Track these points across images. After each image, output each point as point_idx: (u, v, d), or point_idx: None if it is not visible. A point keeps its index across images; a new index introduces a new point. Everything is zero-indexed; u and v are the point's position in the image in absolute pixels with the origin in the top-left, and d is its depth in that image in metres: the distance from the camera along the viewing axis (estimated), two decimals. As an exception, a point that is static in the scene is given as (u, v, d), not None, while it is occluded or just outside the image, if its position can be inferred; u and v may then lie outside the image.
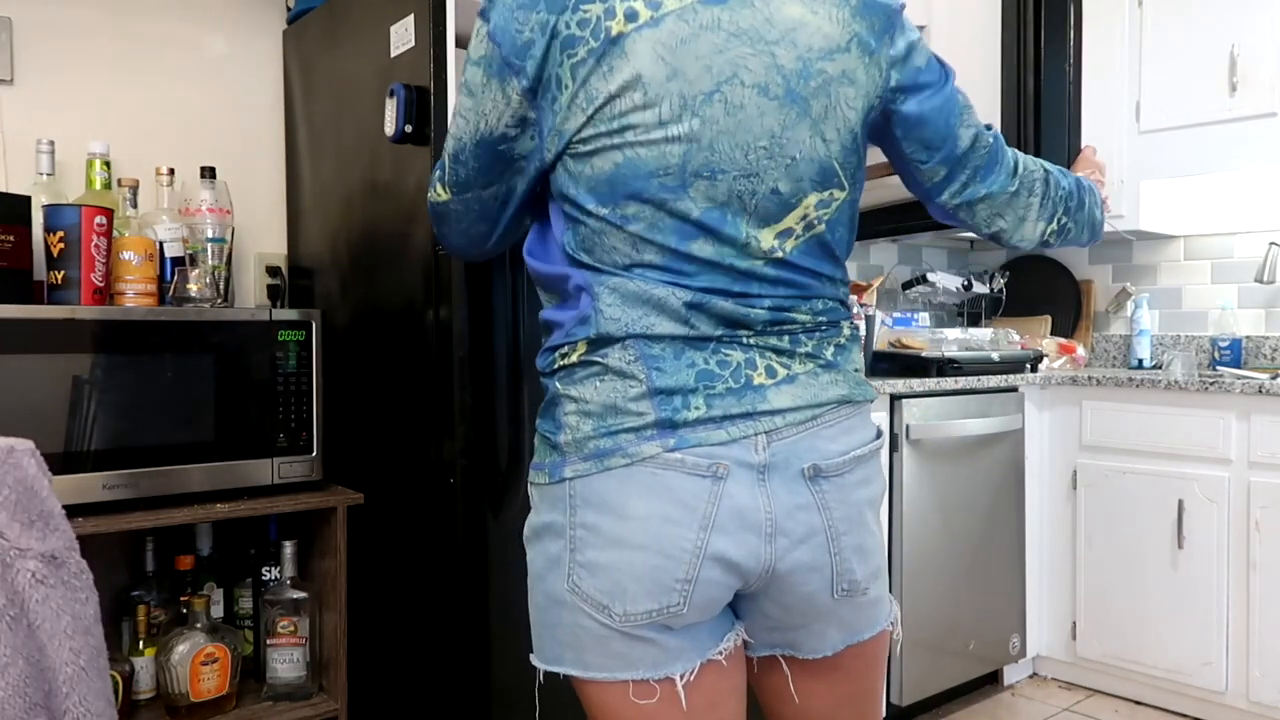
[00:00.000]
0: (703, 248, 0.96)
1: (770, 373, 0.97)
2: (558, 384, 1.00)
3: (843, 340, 1.03)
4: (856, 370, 1.03)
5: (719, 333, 0.97)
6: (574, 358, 0.99)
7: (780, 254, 0.98)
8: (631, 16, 0.91)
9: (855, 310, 2.60)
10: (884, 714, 1.20)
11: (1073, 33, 2.18)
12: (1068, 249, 3.49)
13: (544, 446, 1.01)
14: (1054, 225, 1.15)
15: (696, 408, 0.95)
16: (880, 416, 2.45)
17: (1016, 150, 1.14)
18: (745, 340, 0.98)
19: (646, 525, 0.93)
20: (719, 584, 0.95)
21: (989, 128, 1.11)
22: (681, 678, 0.97)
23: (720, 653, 0.99)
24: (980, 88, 2.25)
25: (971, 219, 1.12)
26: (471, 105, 0.98)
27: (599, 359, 0.97)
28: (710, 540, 0.93)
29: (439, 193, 1.06)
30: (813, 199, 0.98)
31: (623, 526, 0.94)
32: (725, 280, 0.97)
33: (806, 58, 0.95)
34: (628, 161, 0.94)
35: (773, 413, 0.96)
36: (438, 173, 1.05)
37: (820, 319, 1.01)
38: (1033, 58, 2.25)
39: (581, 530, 0.96)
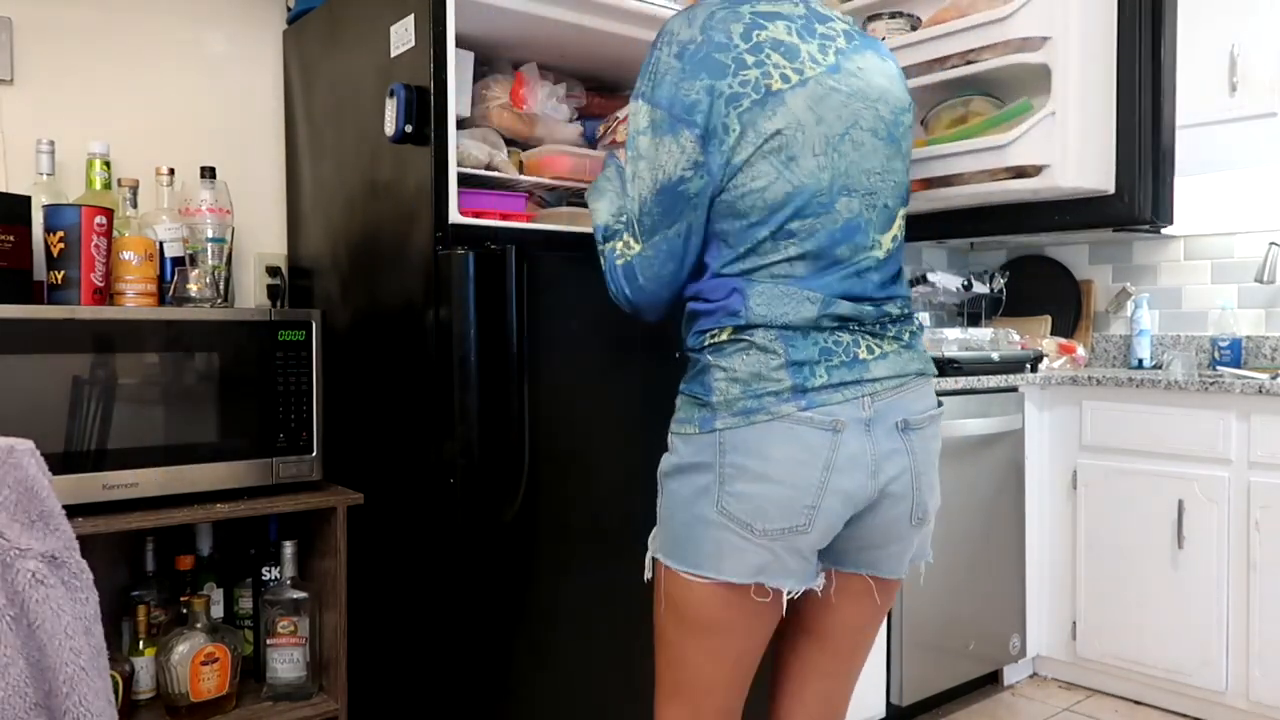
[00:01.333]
0: (843, 251, 1.28)
1: (870, 350, 1.28)
2: (709, 356, 1.29)
3: (915, 329, 1.36)
4: (925, 352, 1.36)
5: (836, 325, 1.27)
6: (723, 337, 1.27)
7: (887, 254, 1.32)
8: (785, 79, 1.23)
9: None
10: None
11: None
12: (1068, 249, 3.50)
13: (692, 405, 1.30)
14: None
15: (820, 376, 1.24)
16: (880, 416, 2.44)
17: None
18: (853, 328, 1.28)
19: (784, 466, 1.22)
20: (837, 512, 1.25)
21: None
22: (789, 592, 1.26)
23: (817, 585, 1.30)
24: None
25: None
26: (646, 165, 1.27)
27: (746, 338, 1.26)
28: (830, 478, 1.23)
29: (630, 245, 1.32)
30: (902, 211, 1.35)
31: (766, 465, 1.22)
32: (850, 281, 1.28)
33: (896, 110, 1.33)
34: (795, 190, 1.24)
35: (874, 380, 1.26)
36: (622, 232, 1.33)
37: (905, 311, 1.34)
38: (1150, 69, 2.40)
39: (730, 469, 1.24)
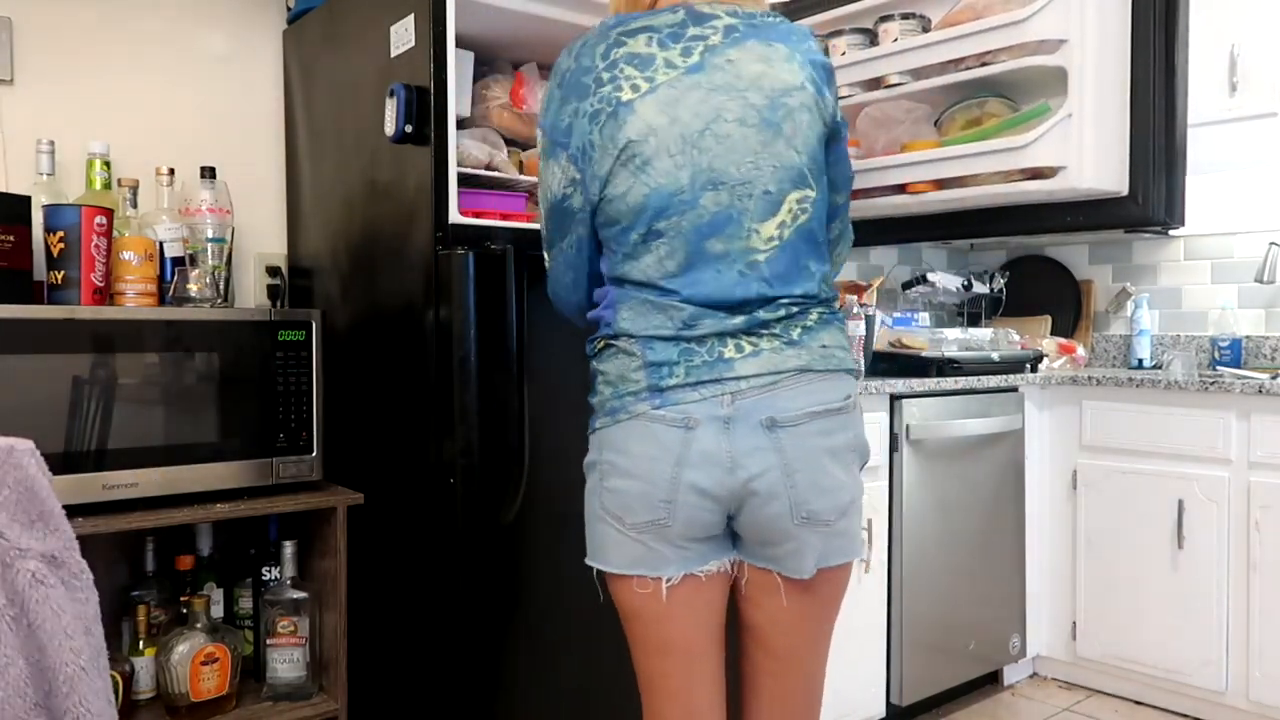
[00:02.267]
0: (714, 245, 1.28)
1: (739, 349, 1.29)
2: (594, 363, 1.38)
3: (810, 323, 1.32)
4: (824, 347, 1.32)
5: (703, 334, 1.29)
6: (600, 345, 1.37)
7: (777, 242, 1.29)
8: (635, 89, 1.28)
9: (853, 305, 2.61)
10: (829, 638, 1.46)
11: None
12: (1067, 249, 3.50)
13: (592, 407, 1.40)
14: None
15: (676, 376, 1.28)
16: (880, 416, 2.45)
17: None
18: (721, 334, 1.29)
19: (641, 462, 1.29)
20: (696, 505, 1.28)
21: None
22: (667, 580, 1.32)
23: (702, 572, 1.33)
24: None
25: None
26: (542, 186, 1.39)
27: (615, 344, 1.34)
28: (683, 473, 1.27)
29: (546, 258, 1.44)
30: (794, 195, 1.30)
31: (629, 462, 1.30)
32: (727, 277, 1.28)
33: (773, 96, 1.29)
34: (653, 192, 1.27)
35: (738, 378, 1.28)
36: (543, 246, 1.44)
37: (793, 308, 1.31)
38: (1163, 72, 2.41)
39: (606, 465, 1.33)
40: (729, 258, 1.28)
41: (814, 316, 1.33)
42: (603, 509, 1.34)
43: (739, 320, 1.28)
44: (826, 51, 1.38)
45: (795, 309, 1.31)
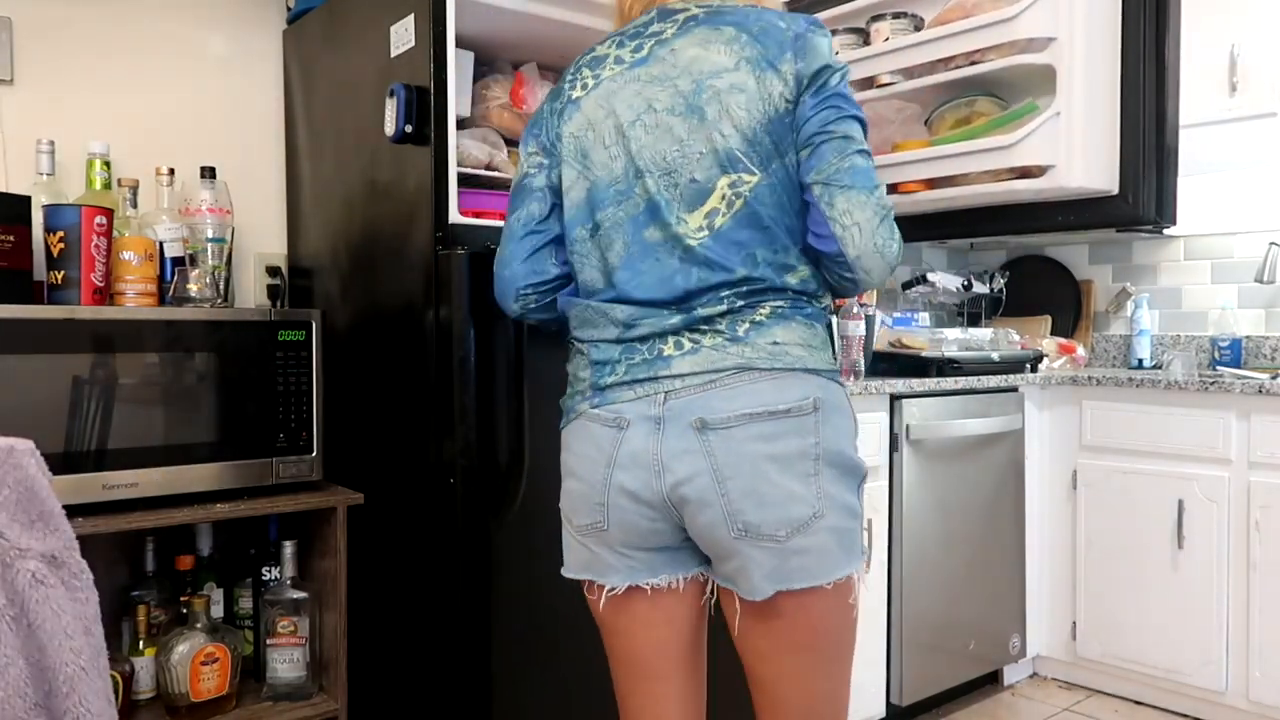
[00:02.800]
0: (652, 234, 1.24)
1: (679, 345, 1.22)
2: (567, 366, 1.36)
3: (760, 318, 1.22)
4: (775, 344, 1.20)
5: (644, 334, 1.24)
6: (570, 345, 1.36)
7: (708, 231, 1.21)
8: (584, 87, 1.30)
9: (853, 305, 2.61)
10: (849, 678, 1.29)
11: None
12: (1067, 249, 3.50)
13: None
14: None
15: (614, 374, 1.25)
16: (880, 416, 2.45)
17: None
18: (662, 333, 1.24)
19: (581, 462, 1.27)
20: (628, 509, 1.23)
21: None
22: (609, 589, 1.28)
23: (650, 584, 1.27)
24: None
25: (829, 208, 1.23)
26: (515, 175, 1.39)
27: (573, 344, 1.34)
28: (613, 474, 1.23)
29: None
30: (724, 181, 1.21)
31: (573, 462, 1.29)
32: (666, 272, 1.23)
33: (699, 80, 1.23)
34: (593, 184, 1.27)
35: (674, 376, 1.21)
36: None
37: (736, 301, 1.21)
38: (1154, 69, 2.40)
39: (562, 466, 1.32)
40: (666, 246, 1.23)
41: (764, 311, 1.22)
42: (561, 510, 1.33)
43: (678, 318, 1.22)
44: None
45: (740, 302, 1.21)
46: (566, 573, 1.34)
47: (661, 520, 1.23)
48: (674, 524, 1.24)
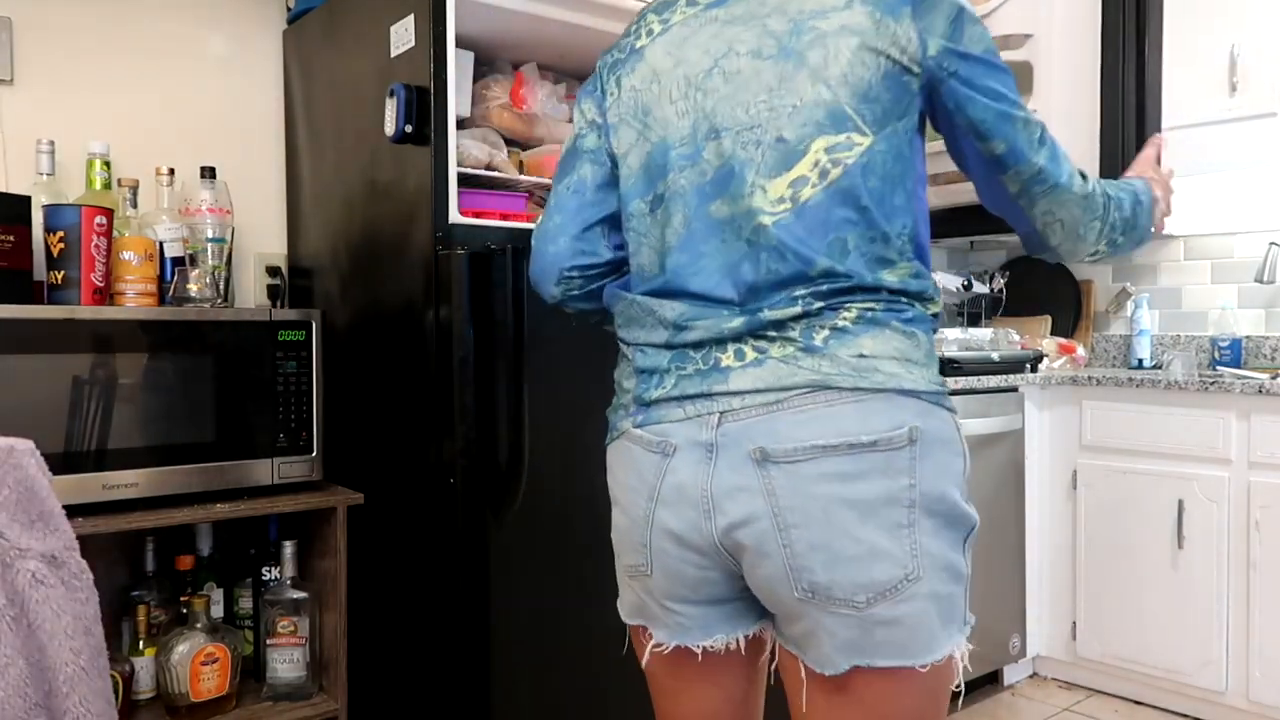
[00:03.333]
0: (719, 209, 1.02)
1: (739, 355, 0.99)
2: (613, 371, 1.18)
3: (843, 323, 0.97)
4: (862, 356, 0.96)
5: (699, 338, 1.02)
6: (619, 352, 1.16)
7: (790, 205, 0.98)
8: (649, 34, 1.10)
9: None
10: None
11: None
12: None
13: None
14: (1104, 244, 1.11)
15: (662, 387, 1.03)
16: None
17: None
18: (720, 338, 1.02)
19: (624, 492, 1.07)
20: (671, 554, 1.03)
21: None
22: (654, 646, 1.09)
23: (701, 647, 1.06)
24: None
25: (1031, 212, 1.06)
26: (568, 138, 1.19)
27: (620, 344, 1.13)
28: (656, 511, 1.02)
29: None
30: (821, 143, 0.98)
31: (617, 490, 1.09)
32: (732, 260, 1.01)
33: (798, 19, 1.00)
34: (655, 147, 1.06)
35: (732, 394, 0.98)
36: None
37: (814, 301, 0.98)
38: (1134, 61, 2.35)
39: (610, 491, 1.12)
40: (734, 224, 1.00)
41: (850, 314, 0.98)
42: (614, 543, 1.14)
43: (739, 320, 0.99)
44: None
45: (819, 303, 0.97)
46: (622, 615, 1.15)
47: (714, 569, 1.02)
48: (729, 572, 1.02)
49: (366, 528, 1.93)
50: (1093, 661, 2.83)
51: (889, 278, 0.99)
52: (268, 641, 1.82)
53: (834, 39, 0.98)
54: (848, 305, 0.98)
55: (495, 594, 1.73)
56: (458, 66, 1.74)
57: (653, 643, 1.08)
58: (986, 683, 2.88)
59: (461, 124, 1.88)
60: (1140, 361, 3.17)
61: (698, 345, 1.02)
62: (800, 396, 0.95)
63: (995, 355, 2.80)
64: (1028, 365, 2.89)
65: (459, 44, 1.76)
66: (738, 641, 1.06)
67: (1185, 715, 2.67)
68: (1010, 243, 3.60)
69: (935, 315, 1.03)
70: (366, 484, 1.92)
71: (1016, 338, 2.99)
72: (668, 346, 1.04)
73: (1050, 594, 2.92)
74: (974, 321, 3.53)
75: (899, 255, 1.00)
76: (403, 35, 1.74)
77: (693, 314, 1.02)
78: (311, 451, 1.82)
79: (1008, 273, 3.54)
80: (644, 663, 1.12)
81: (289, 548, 1.83)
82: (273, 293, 2.21)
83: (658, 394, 1.03)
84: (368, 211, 1.90)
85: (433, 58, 1.67)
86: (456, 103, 1.72)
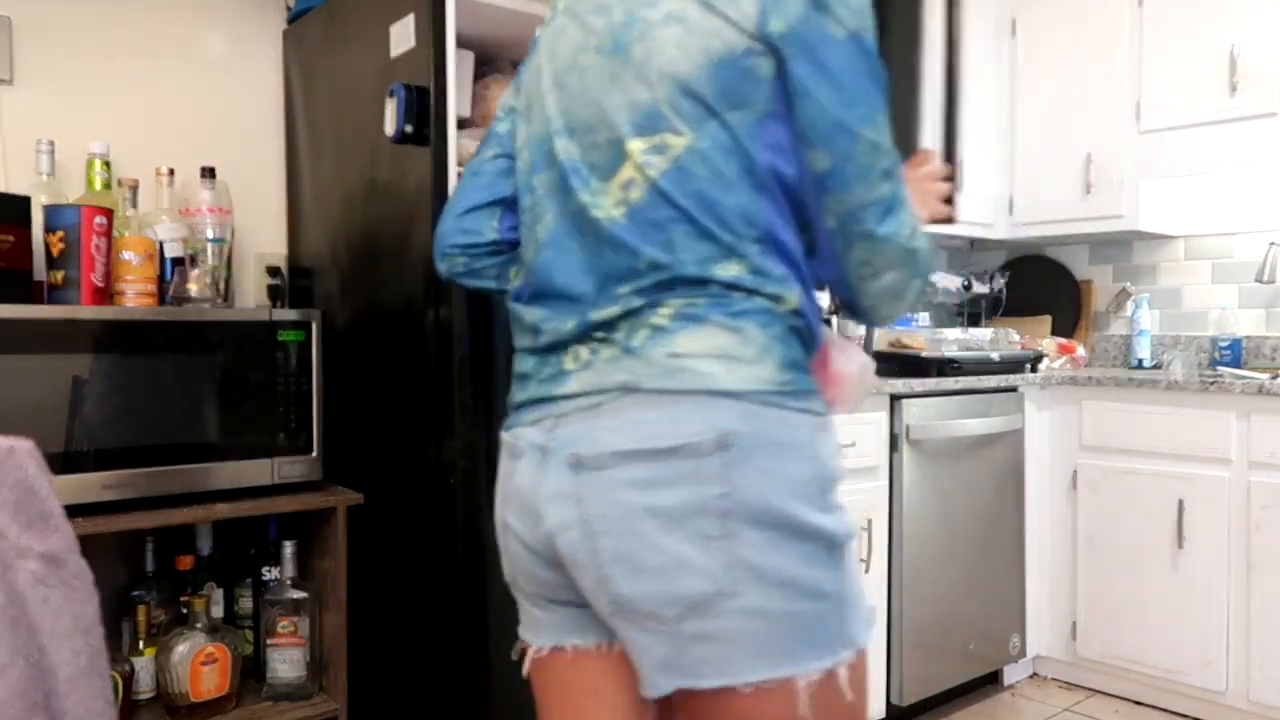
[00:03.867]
0: (572, 207, 0.98)
1: (577, 358, 0.96)
2: None
3: (660, 321, 0.91)
4: (675, 356, 0.90)
5: (550, 341, 1.00)
6: None
7: (625, 207, 0.94)
8: (548, 22, 1.07)
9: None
10: None
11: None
12: (1068, 249, 3.49)
13: None
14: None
15: (525, 391, 1.02)
16: (880, 416, 2.45)
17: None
18: (563, 341, 0.99)
19: (497, 495, 1.05)
20: (520, 555, 1.01)
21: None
22: (535, 649, 1.06)
23: (570, 645, 1.03)
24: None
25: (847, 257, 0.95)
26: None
27: None
28: (505, 514, 1.02)
29: None
30: (637, 144, 0.93)
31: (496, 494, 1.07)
32: (582, 260, 0.97)
33: (632, 10, 0.95)
34: (537, 140, 1.04)
35: (562, 398, 0.95)
36: None
37: (635, 300, 0.93)
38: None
39: None
40: (584, 223, 0.97)
41: (669, 310, 0.91)
42: None
43: (572, 323, 0.96)
44: None
45: (639, 300, 0.92)
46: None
47: (559, 572, 0.99)
48: (571, 577, 0.98)
49: (366, 528, 1.93)
50: (1093, 661, 2.83)
51: (722, 273, 0.91)
52: (268, 641, 1.82)
53: (658, 30, 0.92)
54: (667, 302, 0.92)
55: (494, 594, 1.73)
56: (458, 66, 1.74)
57: (533, 647, 1.05)
58: (987, 683, 2.88)
59: (461, 124, 1.88)
60: (1140, 361, 3.17)
61: (550, 349, 0.99)
62: (614, 400, 0.91)
63: (995, 355, 2.80)
64: (1028, 365, 2.89)
65: (459, 44, 1.76)
66: (607, 645, 1.02)
67: (1185, 715, 2.67)
68: (1010, 243, 3.60)
69: (796, 311, 0.93)
70: (366, 484, 1.92)
71: (1016, 338, 2.99)
72: (532, 351, 1.02)
73: (1050, 594, 2.93)
74: (974, 321, 3.54)
75: (740, 247, 0.92)
76: (403, 35, 1.74)
77: (544, 318, 0.99)
78: (311, 451, 1.82)
79: (1008, 273, 3.54)
80: (525, 671, 1.08)
81: (289, 548, 1.83)
82: (273, 293, 2.21)
83: (521, 398, 1.02)
84: (368, 211, 1.90)
85: (433, 58, 1.67)
86: (456, 103, 1.72)
